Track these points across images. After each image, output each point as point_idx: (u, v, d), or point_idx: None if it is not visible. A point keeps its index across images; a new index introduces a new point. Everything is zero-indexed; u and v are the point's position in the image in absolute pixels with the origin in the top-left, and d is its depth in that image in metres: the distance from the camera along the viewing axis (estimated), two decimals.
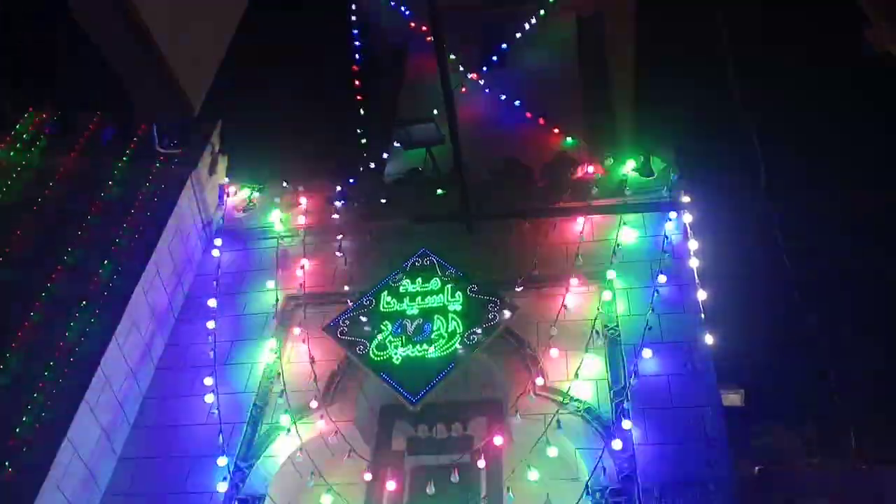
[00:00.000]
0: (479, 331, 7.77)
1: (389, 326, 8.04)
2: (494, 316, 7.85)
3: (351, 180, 10.07)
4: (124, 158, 8.92)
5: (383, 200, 9.54)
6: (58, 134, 9.26)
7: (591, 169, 9.28)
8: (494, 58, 12.96)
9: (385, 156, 11.66)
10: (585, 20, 13.91)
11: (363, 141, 12.21)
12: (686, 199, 8.59)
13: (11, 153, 8.94)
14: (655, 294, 7.76)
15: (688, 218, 8.43)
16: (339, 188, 9.76)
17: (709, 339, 7.41)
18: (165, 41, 1.49)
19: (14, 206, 8.36)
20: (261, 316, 8.61)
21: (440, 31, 6.43)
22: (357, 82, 13.16)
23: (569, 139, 11.06)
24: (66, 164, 8.84)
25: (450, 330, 7.87)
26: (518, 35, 13.21)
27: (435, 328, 7.91)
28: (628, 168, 9.07)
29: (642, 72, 16.21)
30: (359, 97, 12.94)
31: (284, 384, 7.85)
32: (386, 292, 8.37)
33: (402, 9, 14.03)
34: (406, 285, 8.39)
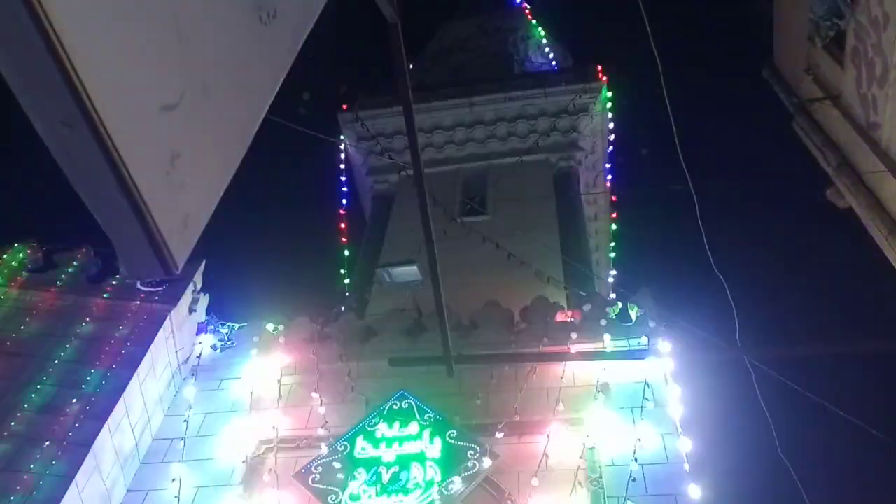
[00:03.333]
0: (458, 480, 7.49)
1: (364, 474, 7.73)
2: (474, 464, 7.61)
3: (332, 320, 10.07)
4: (104, 295, 8.91)
5: (363, 341, 9.50)
6: (40, 270, 9.27)
7: (570, 314, 9.38)
8: (475, 205, 13.46)
9: (367, 296, 11.75)
10: (561, 172, 14.63)
11: (346, 281, 12.36)
12: (665, 346, 8.64)
13: None
14: (638, 443, 7.60)
15: (668, 365, 8.45)
16: (318, 327, 9.73)
17: (694, 492, 7.19)
18: (157, 204, 1.53)
19: None
20: (230, 461, 8.26)
21: (422, 178, 6.73)
22: (342, 225, 13.53)
23: (548, 284, 11.25)
24: (44, 299, 8.79)
25: (427, 479, 7.58)
26: (497, 184, 13.81)
27: (412, 476, 7.62)
28: (607, 314, 9.19)
29: (617, 221, 16.88)
30: (343, 239, 13.26)
31: None
32: (362, 437, 8.13)
33: (389, 158, 14.70)
34: (383, 430, 8.17)
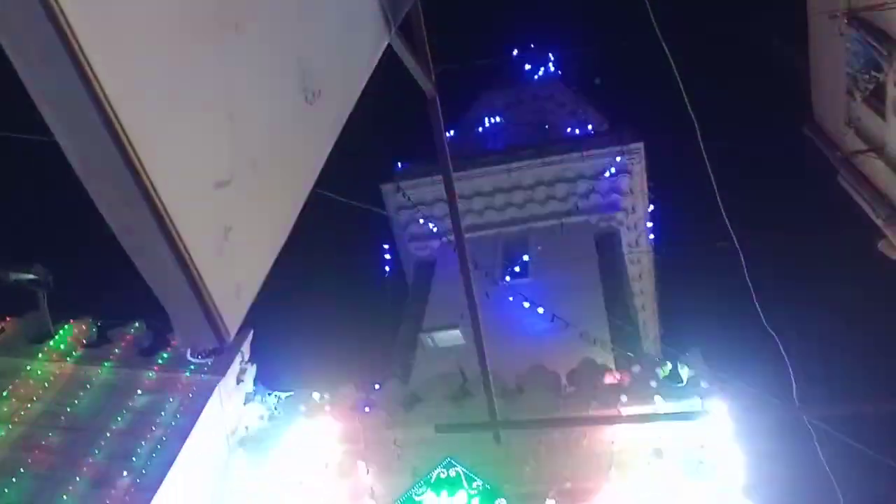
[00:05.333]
0: None
1: None
2: None
3: (376, 386, 10.04)
4: (155, 368, 9.08)
5: (408, 408, 9.42)
6: (94, 345, 9.52)
7: (618, 375, 9.19)
8: (517, 268, 13.47)
9: (411, 362, 11.72)
10: (603, 233, 14.60)
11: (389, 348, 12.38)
12: (720, 406, 8.36)
13: (46, 363, 9.14)
14: None
15: (724, 426, 8.15)
16: (363, 396, 9.71)
17: None
18: (211, 275, 1.60)
19: (42, 415, 8.38)
20: None
21: (463, 244, 6.84)
22: (385, 292, 13.66)
23: (594, 345, 11.08)
24: (98, 374, 9.00)
25: None
26: (539, 248, 13.83)
27: None
28: (657, 375, 8.98)
29: (662, 280, 16.67)
30: (386, 307, 13.36)
31: None
32: None
33: (430, 225, 14.90)
34: (430, 499, 8.01)
